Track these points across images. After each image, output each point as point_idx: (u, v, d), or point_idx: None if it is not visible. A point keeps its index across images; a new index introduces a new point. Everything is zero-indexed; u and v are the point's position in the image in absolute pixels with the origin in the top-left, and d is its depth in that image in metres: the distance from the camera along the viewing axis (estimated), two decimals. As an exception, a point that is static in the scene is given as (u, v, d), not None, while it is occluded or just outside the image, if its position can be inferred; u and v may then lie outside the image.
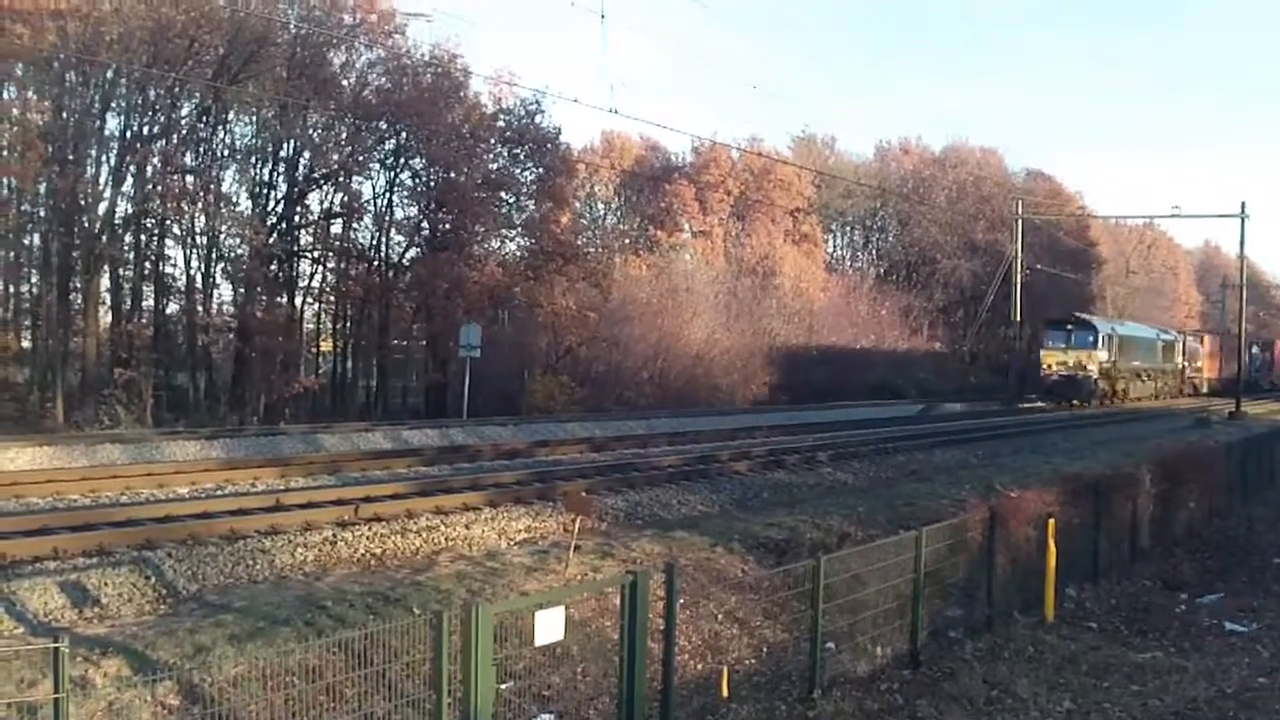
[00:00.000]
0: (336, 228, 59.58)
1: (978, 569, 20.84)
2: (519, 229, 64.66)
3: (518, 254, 64.76)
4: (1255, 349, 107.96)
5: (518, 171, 63.84)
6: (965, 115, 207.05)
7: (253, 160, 55.13)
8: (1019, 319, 77.52)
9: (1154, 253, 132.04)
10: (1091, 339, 70.17)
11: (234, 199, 54.09)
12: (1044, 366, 70.85)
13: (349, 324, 61.62)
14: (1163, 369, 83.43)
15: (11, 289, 49.07)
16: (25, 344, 48.37)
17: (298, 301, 58.07)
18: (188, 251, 52.67)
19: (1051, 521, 22.42)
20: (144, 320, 50.02)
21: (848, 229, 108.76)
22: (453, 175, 58.79)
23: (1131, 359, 75.55)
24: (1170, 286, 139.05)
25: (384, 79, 57.77)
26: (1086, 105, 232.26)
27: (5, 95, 46.24)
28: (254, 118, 54.20)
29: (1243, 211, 70.76)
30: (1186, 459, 33.62)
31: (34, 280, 48.66)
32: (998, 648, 19.54)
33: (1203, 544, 30.78)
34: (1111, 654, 19.81)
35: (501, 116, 62.60)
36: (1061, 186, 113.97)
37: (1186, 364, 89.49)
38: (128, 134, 48.63)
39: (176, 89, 48.48)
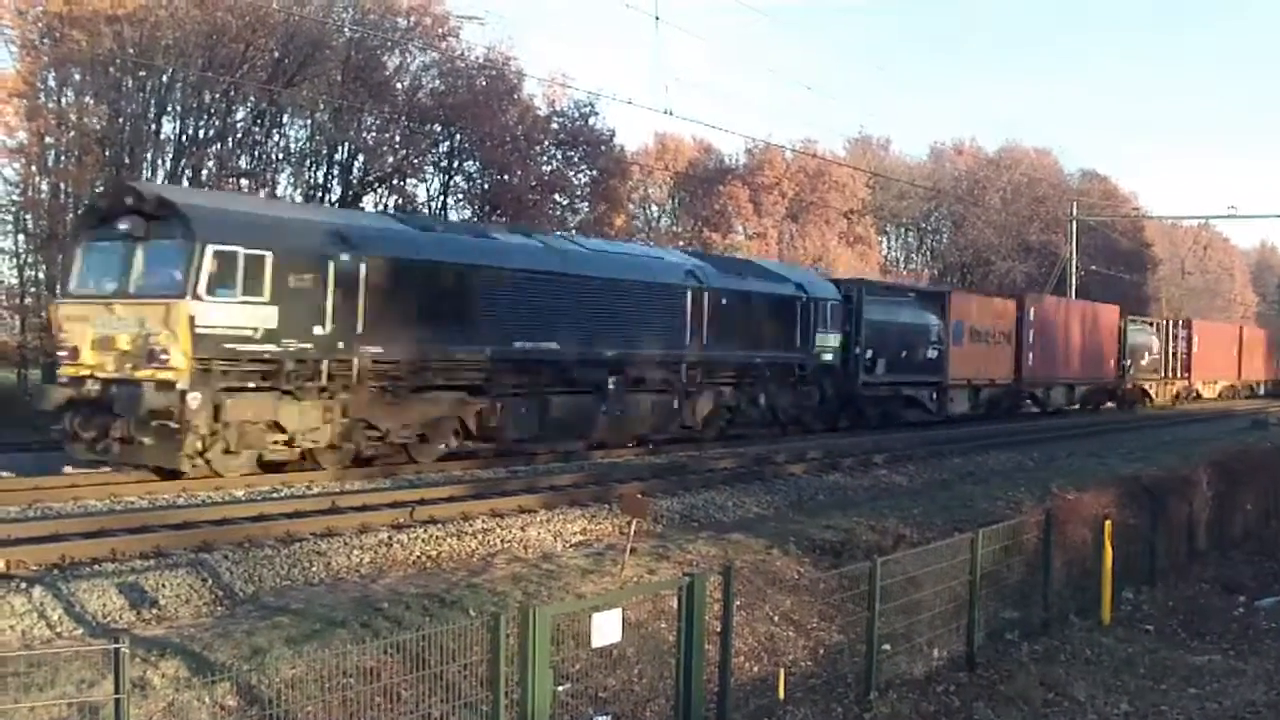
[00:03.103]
0: (391, 230, 59.84)
1: (1034, 571, 20.73)
2: (573, 231, 64.76)
3: (572, 256, 64.81)
4: (1142, 332, 70.70)
5: (572, 174, 63.93)
6: (1020, 115, 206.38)
7: (307, 163, 55.35)
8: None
9: (1210, 253, 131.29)
10: (178, 268, 24.28)
11: (289, 202, 54.35)
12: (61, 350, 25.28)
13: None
14: (780, 362, 39.22)
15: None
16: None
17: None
18: (243, 254, 52.89)
19: (1108, 523, 22.28)
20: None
21: (902, 230, 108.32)
22: (506, 178, 58.90)
23: (613, 336, 33.05)
24: (1226, 287, 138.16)
25: (438, 82, 57.91)
26: (1142, 105, 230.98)
27: (63, 100, 46.59)
28: (308, 121, 54.40)
29: (1299, 212, 69.81)
30: (1244, 461, 33.41)
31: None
32: (1054, 650, 19.42)
33: (1261, 546, 30.51)
34: (1169, 657, 19.66)
35: (555, 119, 62.70)
36: (1116, 187, 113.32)
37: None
38: (183, 138, 48.88)
39: (231, 93, 48.74)
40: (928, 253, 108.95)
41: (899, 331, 45.68)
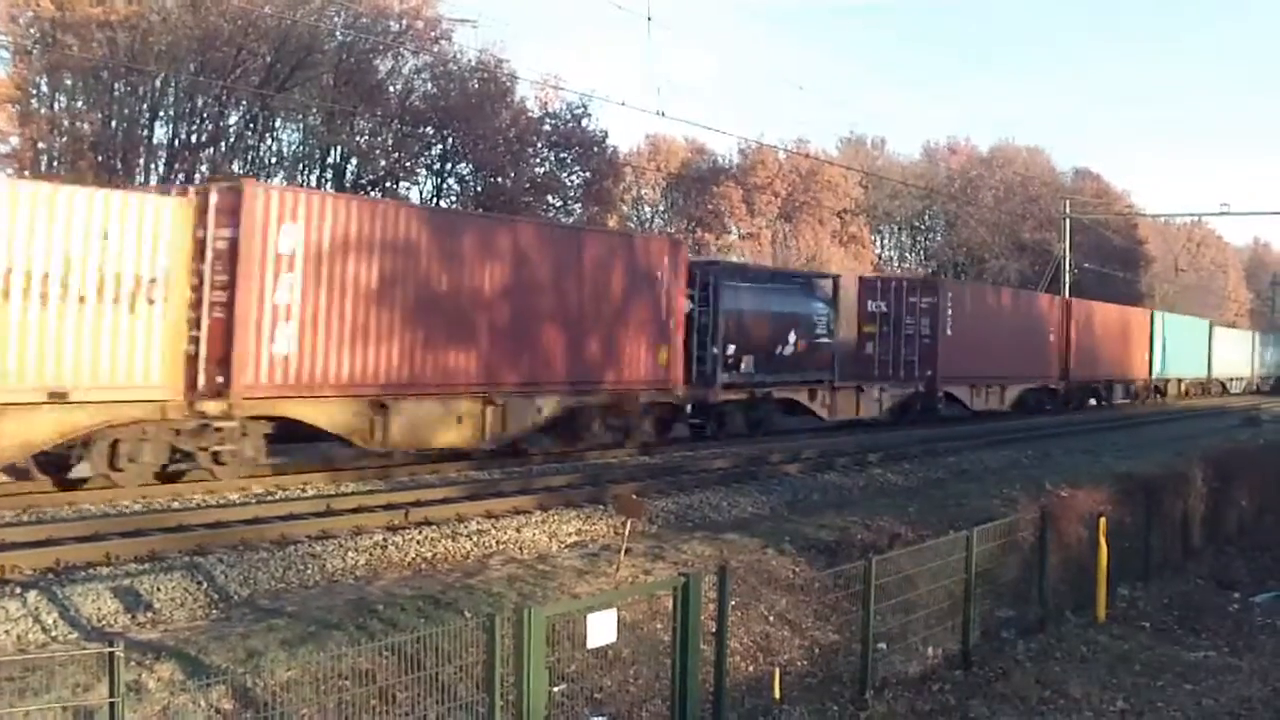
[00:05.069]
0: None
1: (1029, 569, 20.74)
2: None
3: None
4: (781, 296, 39.68)
5: (564, 175, 63.97)
6: (1013, 114, 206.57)
7: (300, 167, 55.47)
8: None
9: (1203, 251, 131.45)
10: None
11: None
12: None
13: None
14: None
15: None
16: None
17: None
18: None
19: (1103, 520, 22.26)
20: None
21: (895, 229, 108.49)
22: (499, 180, 58.91)
23: None
24: (1219, 284, 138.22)
25: (430, 84, 58.01)
26: (1134, 104, 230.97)
27: (55, 106, 46.57)
28: (301, 125, 54.49)
29: (1291, 208, 69.54)
30: (1238, 457, 33.44)
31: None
32: (1050, 647, 19.42)
33: (1255, 542, 30.52)
34: (1164, 653, 19.66)
35: (548, 120, 62.77)
36: (1109, 185, 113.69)
37: None
38: (176, 142, 48.96)
39: (224, 97, 48.80)
40: (921, 251, 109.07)
41: None
